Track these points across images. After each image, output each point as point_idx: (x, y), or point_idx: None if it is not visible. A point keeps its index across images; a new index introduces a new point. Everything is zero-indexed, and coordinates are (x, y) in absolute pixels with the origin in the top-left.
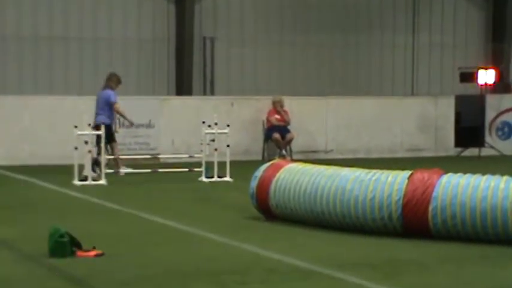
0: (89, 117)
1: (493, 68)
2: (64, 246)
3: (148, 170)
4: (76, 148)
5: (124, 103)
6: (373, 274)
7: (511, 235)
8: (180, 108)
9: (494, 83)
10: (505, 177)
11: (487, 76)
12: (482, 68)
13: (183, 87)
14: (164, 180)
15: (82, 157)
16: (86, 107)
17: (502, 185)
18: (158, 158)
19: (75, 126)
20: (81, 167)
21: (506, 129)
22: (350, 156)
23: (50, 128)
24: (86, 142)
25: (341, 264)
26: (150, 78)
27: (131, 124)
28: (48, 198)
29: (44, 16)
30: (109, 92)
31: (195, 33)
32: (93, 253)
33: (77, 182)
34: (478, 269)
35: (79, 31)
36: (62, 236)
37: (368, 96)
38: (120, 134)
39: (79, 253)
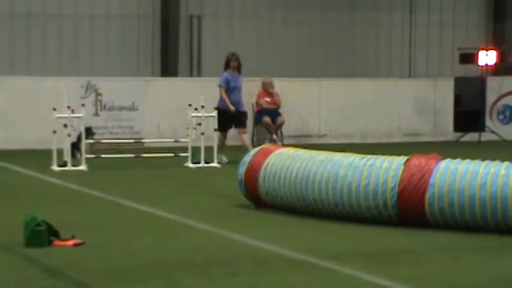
0: (69, 99)
1: (494, 49)
2: (41, 235)
3: (132, 155)
4: (55, 132)
5: (106, 84)
6: (366, 264)
7: (510, 224)
8: (166, 90)
9: (495, 64)
10: (506, 163)
11: (487, 57)
12: (483, 49)
13: (168, 68)
14: (148, 166)
15: (61, 141)
16: (66, 88)
17: (502, 172)
18: (142, 143)
19: (54, 109)
20: (60, 152)
21: (507, 113)
22: (344, 141)
23: (27, 110)
24: (65, 125)
25: (333, 254)
26: (133, 58)
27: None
28: (24, 184)
29: None
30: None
31: (181, 11)
32: (71, 242)
33: (55, 168)
34: (475, 259)
35: (58, 7)
36: (38, 224)
37: (363, 78)
38: (101, 117)
39: (57, 242)
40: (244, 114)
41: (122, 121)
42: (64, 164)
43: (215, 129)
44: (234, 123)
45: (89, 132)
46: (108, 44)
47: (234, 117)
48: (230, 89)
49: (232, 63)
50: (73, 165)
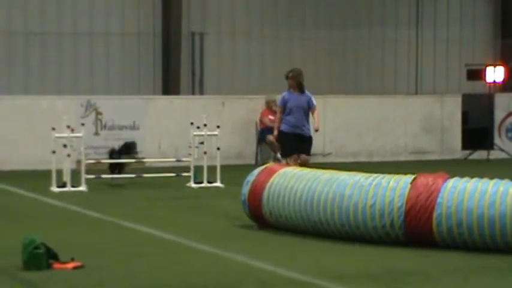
0: (68, 118)
1: (502, 65)
2: (39, 258)
3: (133, 175)
4: (54, 152)
5: (106, 103)
6: (374, 285)
7: None
8: (167, 109)
9: (504, 81)
10: None
11: (495, 74)
12: (490, 65)
13: (170, 86)
14: (150, 186)
15: (60, 162)
16: (65, 107)
17: (511, 190)
18: (143, 162)
19: (53, 128)
20: (60, 173)
21: None
22: (350, 159)
23: (25, 130)
24: (65, 146)
25: (340, 276)
26: (134, 76)
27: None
28: (23, 206)
29: (19, 9)
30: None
31: (183, 28)
32: (71, 265)
33: (54, 189)
34: (485, 281)
35: (57, 25)
36: (37, 247)
37: (369, 95)
38: (101, 137)
39: (56, 265)
40: (309, 139)
41: (122, 140)
42: (63, 185)
43: (218, 148)
44: (298, 149)
45: (131, 148)
46: (108, 62)
47: (297, 141)
48: (288, 110)
49: (288, 81)
50: (73, 186)
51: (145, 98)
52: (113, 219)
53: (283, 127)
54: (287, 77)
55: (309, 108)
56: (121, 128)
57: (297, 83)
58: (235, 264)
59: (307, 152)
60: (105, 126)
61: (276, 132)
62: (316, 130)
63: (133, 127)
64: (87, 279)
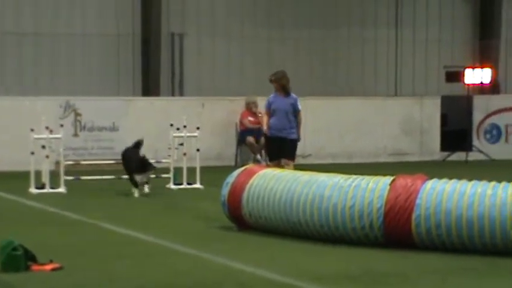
0: (47, 120)
1: (489, 67)
2: (17, 259)
3: (112, 177)
4: (32, 153)
5: (85, 104)
6: (352, 287)
7: (498, 245)
8: (147, 110)
9: (490, 82)
10: (493, 183)
11: (474, 75)
12: (469, 67)
13: (149, 87)
14: (129, 188)
15: (39, 163)
16: (43, 108)
17: (489, 192)
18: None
19: (32, 130)
20: (38, 174)
21: (494, 132)
22: (330, 161)
23: (3, 131)
24: (43, 147)
25: (319, 277)
26: (113, 77)
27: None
28: (1, 207)
29: None
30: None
31: (163, 29)
32: (49, 267)
33: (33, 190)
34: (463, 282)
35: (35, 26)
36: (15, 248)
37: (349, 97)
38: (81, 138)
39: (34, 267)
40: (291, 142)
41: (102, 142)
42: (42, 186)
43: (197, 150)
44: (283, 153)
45: (146, 165)
46: (87, 63)
47: (279, 145)
48: (272, 112)
49: (273, 84)
50: (51, 188)
51: (124, 99)
52: (92, 220)
53: (267, 131)
54: (271, 80)
55: (294, 111)
56: (100, 129)
57: (280, 85)
58: (214, 266)
59: (289, 156)
60: (84, 127)
61: (265, 128)
62: (297, 139)
63: (112, 128)
64: (65, 280)
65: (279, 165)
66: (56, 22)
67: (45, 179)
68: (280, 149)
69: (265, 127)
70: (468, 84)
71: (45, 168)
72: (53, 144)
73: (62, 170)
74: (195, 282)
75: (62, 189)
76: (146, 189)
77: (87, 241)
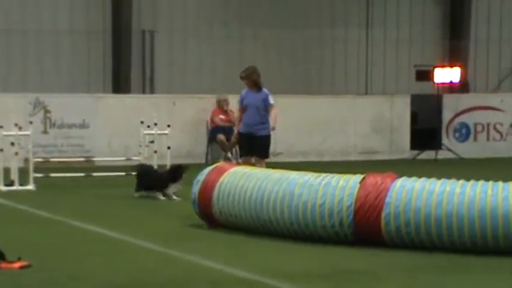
0: (16, 116)
1: (459, 66)
2: None
3: (82, 174)
4: (1, 150)
5: (55, 101)
6: (322, 284)
7: (466, 243)
8: (117, 107)
9: (460, 81)
10: (461, 182)
11: (444, 75)
12: (439, 66)
13: (120, 85)
14: (99, 185)
15: (8, 160)
16: (13, 105)
17: (457, 190)
18: (93, 161)
19: (1, 127)
20: (7, 171)
21: (463, 130)
22: (300, 159)
23: None
24: (13, 144)
25: (289, 275)
26: (84, 74)
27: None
28: None
29: None
30: None
31: (134, 26)
32: (18, 265)
33: (2, 187)
34: (432, 279)
35: (5, 22)
36: None
37: (319, 95)
38: (50, 135)
39: (2, 265)
40: (261, 139)
41: (71, 139)
42: (11, 183)
43: (168, 147)
44: (253, 150)
45: (178, 173)
46: (57, 60)
47: (250, 142)
48: (244, 108)
49: (244, 82)
50: (20, 185)
51: (95, 96)
52: (62, 218)
53: (240, 127)
54: (241, 77)
55: (265, 106)
56: (70, 126)
57: (251, 81)
58: (185, 263)
59: (259, 154)
60: (54, 124)
61: (236, 131)
62: (272, 129)
63: (83, 125)
64: (34, 278)
65: (250, 162)
66: (26, 19)
67: (14, 176)
68: (251, 145)
69: (237, 125)
70: (438, 84)
71: (14, 165)
72: (22, 141)
73: (31, 167)
74: (165, 280)
75: (31, 187)
76: (174, 197)
77: (57, 239)
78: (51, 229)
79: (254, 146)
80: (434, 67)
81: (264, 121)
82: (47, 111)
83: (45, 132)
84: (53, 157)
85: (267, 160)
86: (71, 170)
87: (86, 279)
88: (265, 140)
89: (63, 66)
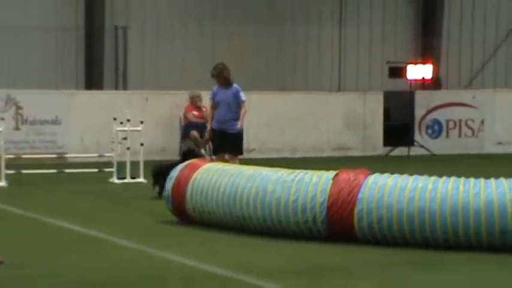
0: None
1: (431, 63)
2: None
3: (54, 171)
4: None
5: (27, 97)
6: (295, 280)
7: (439, 239)
8: (90, 104)
9: (432, 78)
10: (433, 178)
11: (417, 71)
12: (411, 63)
13: (92, 81)
14: (72, 182)
15: None
16: None
17: (430, 186)
18: (65, 158)
19: None
20: None
21: (436, 127)
22: (273, 155)
23: None
24: None
25: (262, 271)
26: (56, 70)
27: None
28: None
29: None
30: None
31: (106, 22)
32: None
33: None
34: (403, 275)
35: None
36: None
37: (292, 92)
38: (22, 131)
39: None
40: (233, 135)
41: (44, 135)
42: None
43: (141, 144)
44: (225, 147)
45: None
46: (29, 57)
47: (222, 139)
48: (216, 104)
49: (215, 79)
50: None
51: (67, 93)
52: (35, 215)
53: (212, 123)
54: (213, 75)
55: (237, 102)
56: (42, 122)
57: (222, 78)
58: (158, 260)
59: (232, 150)
60: (26, 120)
61: (209, 127)
62: (239, 129)
63: (55, 122)
64: (6, 275)
65: (224, 159)
66: None
67: None
68: (224, 142)
69: (209, 122)
70: (410, 80)
71: None
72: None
73: (2, 164)
74: (138, 277)
75: (2, 183)
76: None
77: (29, 236)
78: (23, 226)
79: (227, 143)
80: (407, 64)
81: (236, 117)
82: (18, 108)
83: (17, 128)
84: (24, 153)
85: (241, 156)
86: (43, 167)
87: (59, 276)
88: (238, 137)
89: (36, 62)
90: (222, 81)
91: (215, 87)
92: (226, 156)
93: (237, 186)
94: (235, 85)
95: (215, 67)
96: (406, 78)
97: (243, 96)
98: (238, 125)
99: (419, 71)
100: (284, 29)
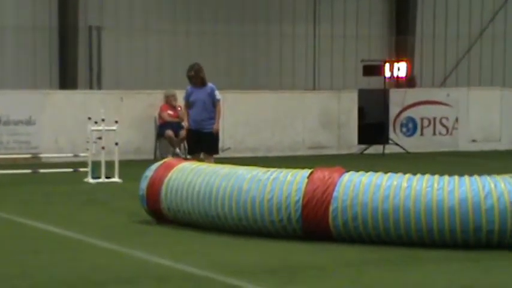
0: None
1: (405, 61)
2: None
3: (29, 171)
4: None
5: (1, 97)
6: (271, 280)
7: (413, 237)
8: (64, 103)
9: (406, 76)
10: (408, 176)
11: (391, 70)
12: (386, 62)
13: (67, 80)
14: (46, 182)
15: None
16: None
17: (404, 184)
18: (40, 158)
19: None
20: None
21: (410, 125)
22: (249, 154)
23: None
24: None
25: (237, 270)
26: (30, 70)
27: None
28: None
29: None
30: None
31: (80, 22)
32: None
33: None
34: (378, 273)
35: None
36: None
37: (267, 91)
38: None
39: None
40: (209, 135)
41: (18, 135)
42: None
43: (116, 143)
44: (201, 146)
45: None
46: (2, 56)
47: (197, 139)
48: (190, 104)
49: (192, 81)
50: None
51: (41, 92)
52: (7, 215)
53: (188, 123)
54: (190, 77)
55: (212, 101)
56: (16, 122)
57: (199, 79)
58: (132, 260)
59: (208, 150)
60: None
61: (186, 124)
62: (214, 130)
63: (29, 122)
64: None
65: (199, 159)
66: None
67: None
68: (199, 142)
69: (185, 121)
70: (385, 78)
71: None
72: None
73: None
74: (113, 277)
75: None
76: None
77: (1, 236)
78: None
79: (203, 143)
80: (385, 62)
81: (212, 116)
82: None
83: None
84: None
85: (216, 156)
86: (18, 167)
87: (31, 276)
88: (214, 136)
89: (9, 62)
90: (199, 81)
91: (189, 87)
92: (202, 156)
93: (211, 186)
94: (210, 84)
95: (191, 67)
96: (384, 76)
97: (218, 95)
98: (215, 125)
99: (393, 69)
100: (258, 27)
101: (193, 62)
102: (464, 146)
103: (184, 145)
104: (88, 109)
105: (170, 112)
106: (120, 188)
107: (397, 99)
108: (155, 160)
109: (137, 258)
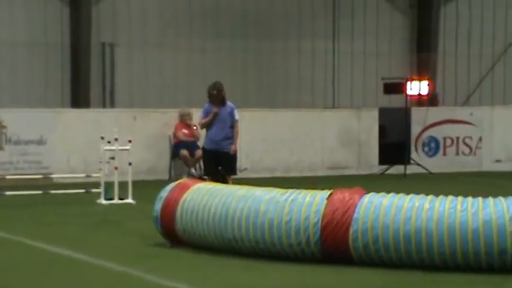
0: None
1: (427, 79)
2: None
3: (40, 192)
4: None
5: (11, 116)
6: None
7: (436, 260)
8: (76, 122)
9: (428, 94)
10: (430, 197)
11: (412, 88)
12: (407, 80)
13: (79, 99)
14: (58, 203)
15: None
16: None
17: (426, 206)
18: (51, 178)
19: None
20: None
21: (433, 144)
22: (266, 175)
23: None
24: None
25: None
26: (41, 88)
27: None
28: None
29: None
30: None
31: (93, 38)
32: None
33: None
34: None
35: None
36: None
37: (286, 109)
38: (6, 152)
39: None
40: (227, 155)
41: (28, 155)
42: None
43: (129, 163)
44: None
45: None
46: (13, 73)
47: (215, 160)
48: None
49: (212, 99)
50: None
51: (53, 111)
52: (19, 238)
53: (204, 142)
54: (212, 95)
55: (232, 121)
56: (27, 142)
57: (220, 98)
58: (146, 284)
59: (226, 170)
60: (10, 140)
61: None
62: (233, 151)
63: (40, 141)
64: None
65: (218, 178)
66: None
67: None
68: (217, 162)
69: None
70: (406, 96)
71: None
72: None
73: None
74: None
75: None
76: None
77: (13, 259)
78: (7, 249)
79: (222, 164)
80: (407, 80)
81: (230, 136)
82: (2, 127)
83: (0, 148)
84: (9, 174)
85: (233, 176)
86: (28, 188)
87: None
88: (232, 156)
89: (20, 80)
90: (219, 100)
91: (207, 105)
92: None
93: (228, 207)
94: (229, 103)
95: (214, 86)
96: (406, 94)
97: (237, 115)
98: (233, 146)
99: (415, 87)
100: (276, 43)
101: (215, 81)
102: (488, 166)
103: (200, 165)
104: (101, 128)
105: (185, 131)
106: (134, 210)
107: (418, 118)
108: (170, 180)
109: (150, 282)
